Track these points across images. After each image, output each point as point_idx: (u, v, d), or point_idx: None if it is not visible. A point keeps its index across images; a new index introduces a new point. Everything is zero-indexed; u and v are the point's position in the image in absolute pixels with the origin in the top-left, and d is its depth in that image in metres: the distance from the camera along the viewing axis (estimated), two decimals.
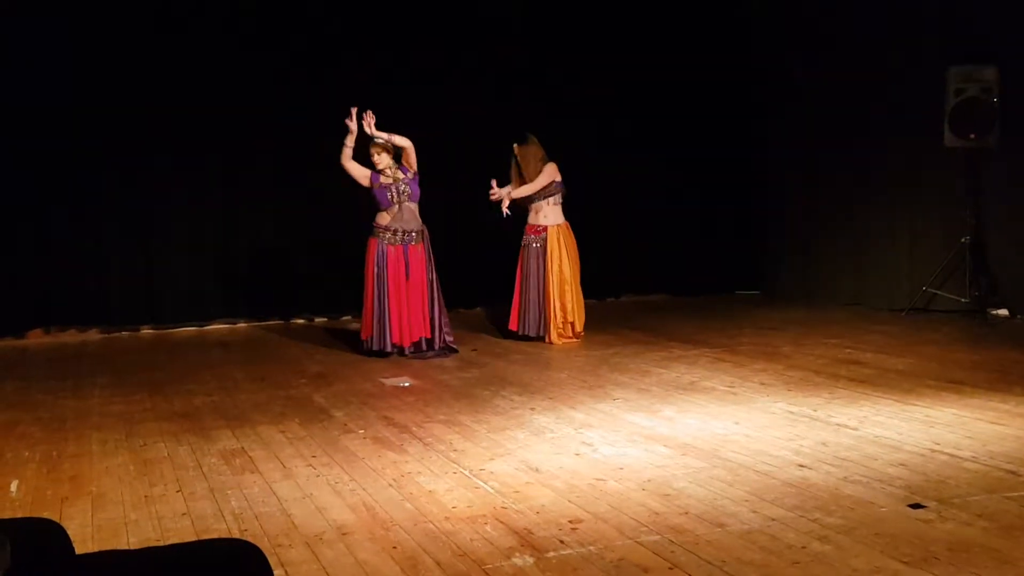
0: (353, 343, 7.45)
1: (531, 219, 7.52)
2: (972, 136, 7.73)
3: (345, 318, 8.81)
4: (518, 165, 7.44)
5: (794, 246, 9.80)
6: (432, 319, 7.01)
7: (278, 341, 8.02)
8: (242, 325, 8.79)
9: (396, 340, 6.90)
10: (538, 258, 7.42)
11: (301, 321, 8.91)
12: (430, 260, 7.02)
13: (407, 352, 6.94)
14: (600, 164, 9.27)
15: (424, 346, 7.00)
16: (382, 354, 6.89)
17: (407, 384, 6.12)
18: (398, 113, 7.77)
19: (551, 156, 7.46)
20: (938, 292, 8.17)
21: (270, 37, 8.63)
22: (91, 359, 7.38)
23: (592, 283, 8.53)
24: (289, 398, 5.80)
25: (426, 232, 7.03)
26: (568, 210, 7.57)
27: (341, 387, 6.07)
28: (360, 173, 6.94)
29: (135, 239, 8.49)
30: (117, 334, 8.42)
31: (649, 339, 7.54)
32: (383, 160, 6.88)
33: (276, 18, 8.65)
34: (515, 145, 7.46)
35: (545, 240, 7.42)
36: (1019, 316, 7.76)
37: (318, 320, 8.90)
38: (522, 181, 7.43)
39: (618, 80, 9.44)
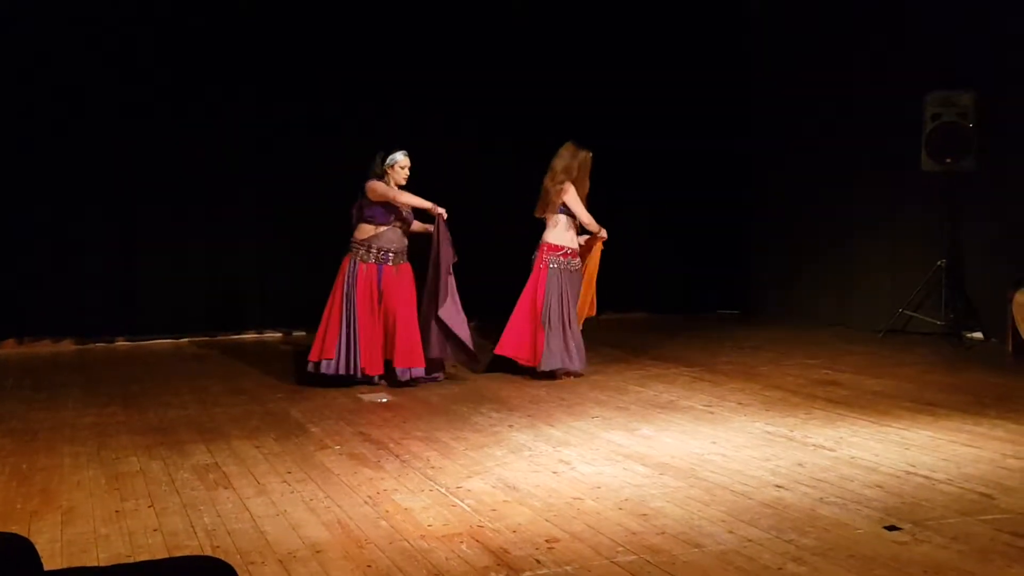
0: None
1: (568, 240, 6.65)
2: (948, 160, 7.82)
3: None
4: (573, 174, 6.64)
5: (775, 266, 9.86)
6: (413, 344, 6.42)
7: (255, 354, 7.95)
8: (220, 338, 8.72)
9: (364, 364, 6.31)
10: (577, 283, 6.70)
11: (279, 335, 8.86)
12: (412, 285, 6.55)
13: (375, 382, 6.40)
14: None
15: (396, 373, 6.42)
16: (347, 379, 6.31)
17: (385, 400, 6.09)
18: (391, 133, 7.77)
19: (540, 174, 7.40)
20: (914, 314, 8.24)
21: (254, 69, 8.66)
22: (65, 370, 7.30)
23: None
24: (265, 412, 5.75)
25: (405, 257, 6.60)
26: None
27: (318, 402, 6.03)
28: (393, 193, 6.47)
29: (111, 250, 8.41)
30: (92, 345, 8.34)
31: (629, 357, 7.54)
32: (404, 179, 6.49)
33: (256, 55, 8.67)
34: (589, 153, 6.70)
35: (580, 264, 6.78)
36: (993, 339, 7.84)
37: (296, 334, 8.85)
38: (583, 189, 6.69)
39: (605, 99, 9.47)
